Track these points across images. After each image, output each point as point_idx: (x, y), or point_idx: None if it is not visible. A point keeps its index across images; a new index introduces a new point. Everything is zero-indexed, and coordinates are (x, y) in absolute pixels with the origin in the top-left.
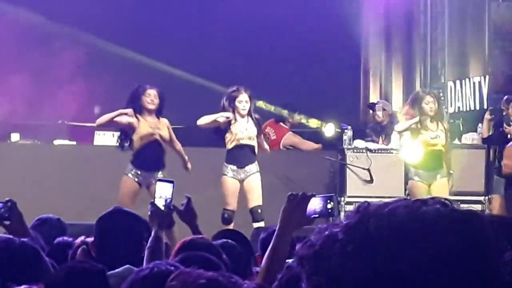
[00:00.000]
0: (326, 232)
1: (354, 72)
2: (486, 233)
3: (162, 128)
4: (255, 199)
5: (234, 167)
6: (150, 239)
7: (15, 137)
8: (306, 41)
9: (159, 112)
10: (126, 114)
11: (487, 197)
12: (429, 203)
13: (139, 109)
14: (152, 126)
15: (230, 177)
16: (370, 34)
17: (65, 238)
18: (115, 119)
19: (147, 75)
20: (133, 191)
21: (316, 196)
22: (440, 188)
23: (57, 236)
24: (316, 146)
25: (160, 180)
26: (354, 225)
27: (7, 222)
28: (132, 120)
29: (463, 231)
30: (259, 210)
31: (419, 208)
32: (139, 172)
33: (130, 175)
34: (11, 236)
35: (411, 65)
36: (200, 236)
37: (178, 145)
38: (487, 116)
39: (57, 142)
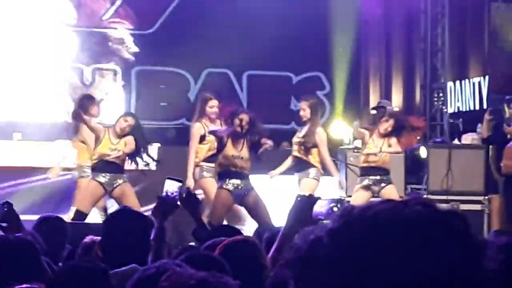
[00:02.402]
0: (312, 236)
1: (354, 72)
2: (468, 232)
3: (121, 146)
4: None
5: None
6: (155, 230)
7: (17, 136)
8: (307, 42)
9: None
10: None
11: (486, 197)
12: (411, 204)
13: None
14: (112, 147)
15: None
16: (370, 34)
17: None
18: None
19: None
20: (97, 192)
21: (323, 199)
22: None
23: (57, 235)
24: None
25: (169, 178)
26: (339, 229)
27: (4, 224)
28: (100, 131)
29: (445, 231)
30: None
31: (401, 210)
32: (104, 175)
33: (97, 178)
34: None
35: (411, 66)
36: (246, 236)
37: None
38: (486, 116)
39: (58, 141)
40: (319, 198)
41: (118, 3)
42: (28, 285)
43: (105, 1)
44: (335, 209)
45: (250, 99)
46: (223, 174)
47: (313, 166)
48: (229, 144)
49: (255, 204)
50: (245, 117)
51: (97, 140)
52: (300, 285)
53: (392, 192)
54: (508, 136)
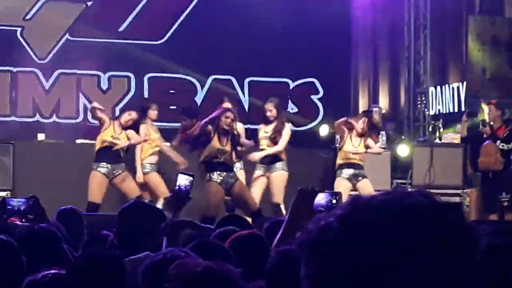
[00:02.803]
0: (322, 222)
1: (344, 78)
2: (465, 222)
3: (123, 138)
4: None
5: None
6: (169, 220)
7: (41, 136)
8: (302, 51)
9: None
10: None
11: (465, 191)
12: (413, 195)
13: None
14: (114, 136)
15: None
16: (359, 44)
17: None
18: (98, 112)
19: None
20: (102, 183)
21: (323, 191)
22: None
23: (75, 226)
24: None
25: (181, 172)
26: (346, 216)
27: (30, 217)
28: (106, 121)
29: (444, 219)
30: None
31: (405, 200)
32: (104, 165)
33: (99, 169)
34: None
35: (396, 72)
36: (252, 230)
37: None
38: (464, 117)
39: (79, 141)
40: (319, 190)
41: (134, 14)
42: (56, 271)
43: (123, 12)
44: (333, 201)
45: (252, 103)
46: (209, 167)
47: (281, 159)
48: (215, 138)
49: (241, 193)
50: (231, 115)
51: (102, 127)
52: (311, 267)
53: (367, 184)
54: (484, 135)
